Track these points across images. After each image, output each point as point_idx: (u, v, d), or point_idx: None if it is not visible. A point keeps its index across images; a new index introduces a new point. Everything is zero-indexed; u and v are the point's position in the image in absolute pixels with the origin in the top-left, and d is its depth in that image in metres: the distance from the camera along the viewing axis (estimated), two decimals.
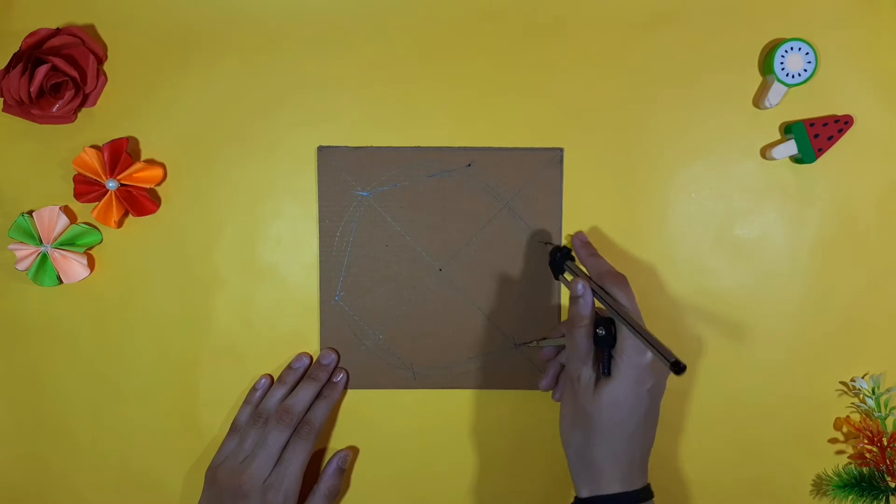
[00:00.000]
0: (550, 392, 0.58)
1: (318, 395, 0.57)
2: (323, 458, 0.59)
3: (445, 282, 0.58)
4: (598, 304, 0.51)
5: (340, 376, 0.58)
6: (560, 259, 0.56)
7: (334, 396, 0.57)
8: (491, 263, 0.58)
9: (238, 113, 0.57)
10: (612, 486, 0.49)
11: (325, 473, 0.57)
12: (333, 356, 0.58)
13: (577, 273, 0.53)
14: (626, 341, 0.48)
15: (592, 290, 0.51)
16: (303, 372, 0.58)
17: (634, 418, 0.49)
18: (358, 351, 0.58)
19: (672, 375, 0.44)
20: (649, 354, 0.48)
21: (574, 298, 0.51)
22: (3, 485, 0.59)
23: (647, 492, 0.50)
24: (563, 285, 0.57)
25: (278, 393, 0.56)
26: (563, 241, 0.58)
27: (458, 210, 0.58)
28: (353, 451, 0.59)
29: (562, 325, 0.57)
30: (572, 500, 0.51)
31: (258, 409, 0.56)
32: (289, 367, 0.58)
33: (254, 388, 0.58)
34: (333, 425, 0.59)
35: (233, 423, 0.57)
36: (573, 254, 0.56)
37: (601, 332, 0.49)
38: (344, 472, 0.58)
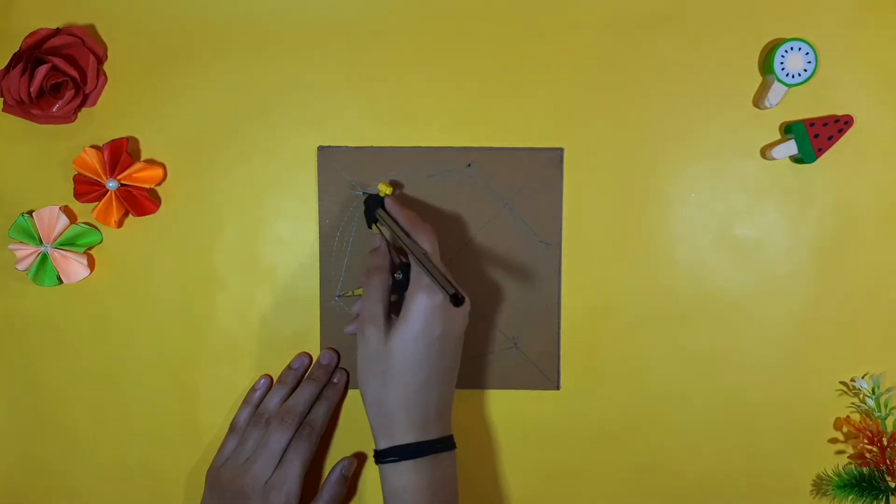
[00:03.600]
0: (550, 392, 0.58)
1: (318, 396, 0.57)
2: (324, 461, 0.59)
3: None
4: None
5: (341, 377, 0.58)
6: (373, 206, 0.54)
7: (335, 397, 0.57)
8: (491, 263, 0.58)
9: (238, 113, 0.57)
10: (407, 436, 0.48)
11: (328, 481, 0.57)
12: (333, 356, 0.58)
13: (386, 222, 0.52)
14: (419, 282, 0.47)
15: (399, 236, 0.50)
16: (303, 372, 0.58)
17: (426, 365, 0.48)
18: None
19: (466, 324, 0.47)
20: (439, 296, 0.47)
21: (373, 250, 0.53)
22: (3, 485, 0.59)
23: (446, 442, 0.49)
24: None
25: (278, 394, 0.56)
26: (563, 246, 0.58)
27: (458, 210, 0.58)
28: (358, 459, 0.59)
29: (360, 275, 0.55)
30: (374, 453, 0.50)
31: (259, 409, 0.56)
32: (288, 367, 0.58)
33: (253, 389, 0.58)
34: (335, 426, 0.59)
35: (232, 424, 0.57)
36: (385, 204, 0.54)
37: (399, 275, 0.48)
38: (347, 480, 0.58)
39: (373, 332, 0.49)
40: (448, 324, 0.48)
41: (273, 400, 0.56)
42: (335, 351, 0.58)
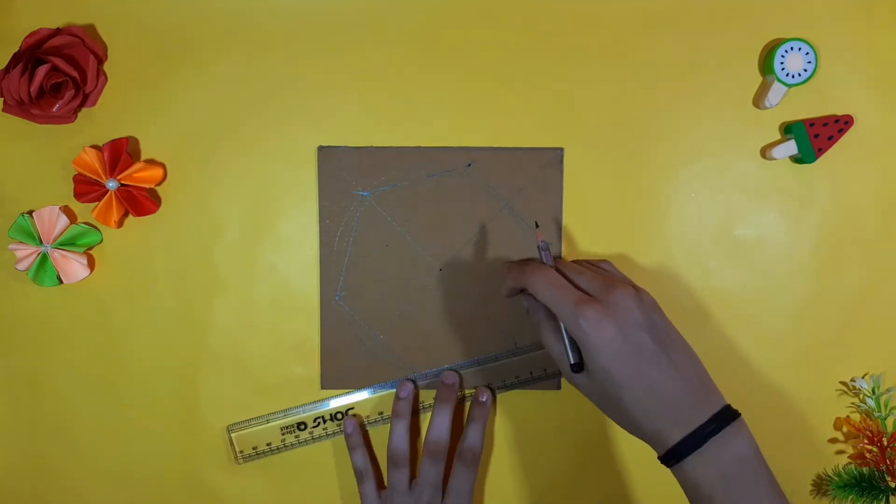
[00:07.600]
0: (551, 392, 0.58)
1: (469, 419, 0.57)
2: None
3: (445, 282, 0.58)
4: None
5: (486, 396, 0.57)
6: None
7: (484, 417, 0.57)
8: (491, 263, 0.58)
9: (238, 113, 0.57)
10: (673, 436, 0.44)
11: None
12: (456, 376, 0.58)
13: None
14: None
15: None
16: (413, 399, 0.58)
17: (644, 368, 0.44)
18: (358, 351, 0.58)
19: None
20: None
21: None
22: (3, 485, 0.59)
23: (725, 414, 0.45)
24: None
25: (402, 427, 0.56)
26: (563, 246, 0.58)
27: (458, 210, 0.58)
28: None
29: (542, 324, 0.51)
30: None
31: (390, 452, 0.56)
32: (397, 398, 0.57)
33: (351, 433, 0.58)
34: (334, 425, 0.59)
35: (358, 473, 0.57)
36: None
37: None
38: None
39: (576, 383, 0.48)
40: (634, 320, 0.46)
41: (399, 436, 0.56)
42: (456, 371, 0.58)
